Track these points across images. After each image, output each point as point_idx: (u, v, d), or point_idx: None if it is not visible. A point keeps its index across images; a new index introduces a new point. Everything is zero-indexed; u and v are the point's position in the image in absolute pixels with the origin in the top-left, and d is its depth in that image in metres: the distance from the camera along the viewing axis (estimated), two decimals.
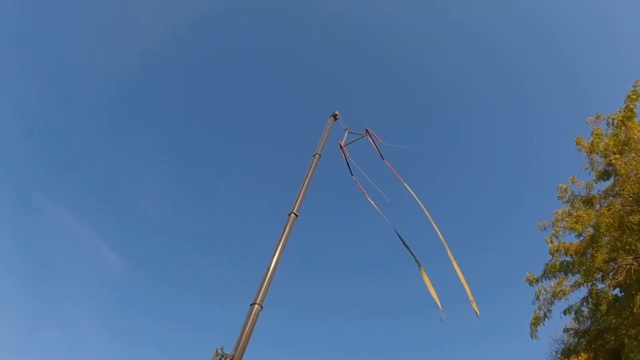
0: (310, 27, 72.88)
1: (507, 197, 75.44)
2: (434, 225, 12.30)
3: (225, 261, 72.30)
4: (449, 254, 11.90)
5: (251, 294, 8.81)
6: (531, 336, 17.27)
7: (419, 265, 11.30)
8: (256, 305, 8.40)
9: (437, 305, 10.84)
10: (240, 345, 7.54)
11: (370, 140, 14.16)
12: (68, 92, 64.11)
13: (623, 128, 16.11)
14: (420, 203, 12.78)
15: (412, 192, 13.10)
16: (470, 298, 10.97)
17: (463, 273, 11.70)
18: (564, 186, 18.29)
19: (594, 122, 18.19)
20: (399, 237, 11.65)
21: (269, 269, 9.37)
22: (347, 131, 14.28)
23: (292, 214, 10.87)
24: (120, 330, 57.98)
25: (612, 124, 16.72)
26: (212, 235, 75.73)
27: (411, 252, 11.40)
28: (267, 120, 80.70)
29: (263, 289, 8.85)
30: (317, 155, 12.85)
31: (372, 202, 12.39)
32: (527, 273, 17.92)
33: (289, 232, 10.56)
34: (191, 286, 67.36)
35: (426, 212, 12.51)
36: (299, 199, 11.40)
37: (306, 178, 12.10)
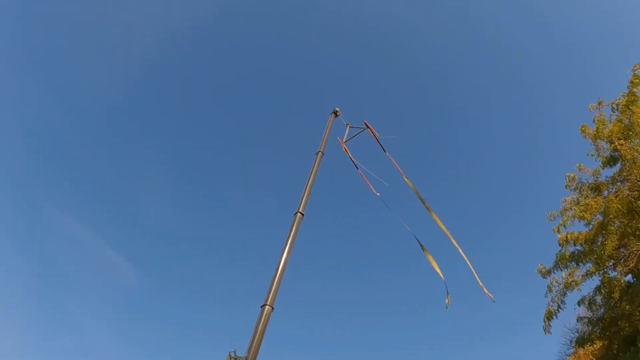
0: (306, 26, 72.92)
1: (505, 196, 75.01)
2: (434, 215, 12.36)
3: (235, 264, 72.23)
4: (453, 240, 11.93)
5: (261, 295, 8.71)
6: (544, 331, 17.03)
7: (424, 249, 11.37)
8: (267, 307, 8.29)
9: (444, 298, 10.91)
10: (253, 347, 7.42)
11: (371, 132, 14.21)
12: (71, 103, 64.55)
13: (627, 113, 15.95)
14: (418, 193, 12.91)
15: (410, 183, 13.26)
16: (480, 284, 11.02)
17: (468, 267, 11.75)
18: (572, 175, 18.12)
19: (596, 108, 18.06)
20: (410, 229, 11.70)
21: (277, 269, 9.25)
22: (348, 126, 14.32)
23: (298, 213, 10.77)
24: (133, 336, 58.08)
25: (617, 109, 16.57)
26: (219, 238, 75.84)
27: (417, 239, 11.51)
28: (267, 121, 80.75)
29: (273, 290, 8.73)
30: (320, 153, 12.79)
31: (377, 193, 12.45)
32: (539, 265, 17.74)
33: (296, 232, 10.45)
34: (202, 290, 67.33)
35: (423, 201, 12.64)
36: (304, 198, 11.30)
37: (310, 176, 12.00)
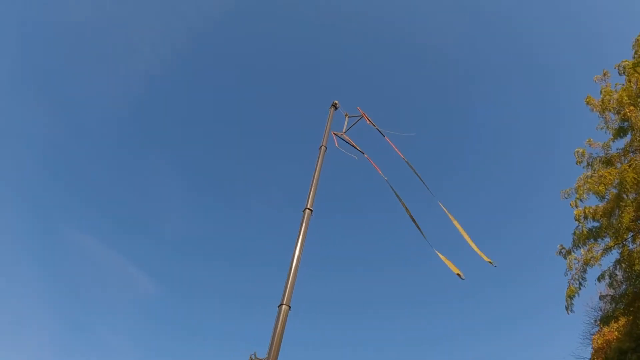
0: (304, 23, 72.53)
1: (508, 192, 73.76)
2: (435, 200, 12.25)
3: (248, 267, 71.67)
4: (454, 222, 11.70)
5: (277, 296, 8.45)
6: (567, 310, 16.73)
7: (422, 233, 11.11)
8: (284, 306, 8.06)
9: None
10: (274, 349, 7.17)
11: (367, 119, 14.12)
12: (78, 118, 64.36)
13: (634, 78, 15.50)
14: (419, 177, 12.88)
15: (409, 163, 13.19)
16: (479, 253, 10.66)
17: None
18: (581, 150, 17.75)
19: (601, 79, 17.69)
20: (412, 217, 11.45)
21: (291, 267, 9.05)
22: (347, 116, 14.13)
23: (307, 210, 10.56)
24: (156, 349, 57.60)
25: (623, 73, 16.13)
26: (231, 242, 75.34)
27: (419, 227, 11.28)
28: (268, 121, 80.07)
29: (288, 288, 8.52)
30: (323, 147, 12.57)
31: (385, 177, 12.28)
32: (558, 245, 17.42)
33: (306, 229, 10.26)
34: (221, 296, 66.75)
35: (425, 185, 12.57)
36: (311, 194, 11.08)
37: (315, 172, 11.79)
